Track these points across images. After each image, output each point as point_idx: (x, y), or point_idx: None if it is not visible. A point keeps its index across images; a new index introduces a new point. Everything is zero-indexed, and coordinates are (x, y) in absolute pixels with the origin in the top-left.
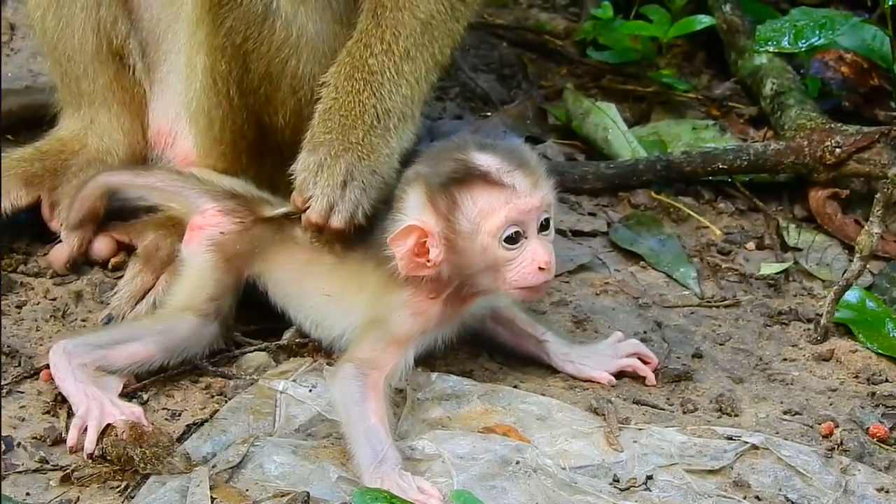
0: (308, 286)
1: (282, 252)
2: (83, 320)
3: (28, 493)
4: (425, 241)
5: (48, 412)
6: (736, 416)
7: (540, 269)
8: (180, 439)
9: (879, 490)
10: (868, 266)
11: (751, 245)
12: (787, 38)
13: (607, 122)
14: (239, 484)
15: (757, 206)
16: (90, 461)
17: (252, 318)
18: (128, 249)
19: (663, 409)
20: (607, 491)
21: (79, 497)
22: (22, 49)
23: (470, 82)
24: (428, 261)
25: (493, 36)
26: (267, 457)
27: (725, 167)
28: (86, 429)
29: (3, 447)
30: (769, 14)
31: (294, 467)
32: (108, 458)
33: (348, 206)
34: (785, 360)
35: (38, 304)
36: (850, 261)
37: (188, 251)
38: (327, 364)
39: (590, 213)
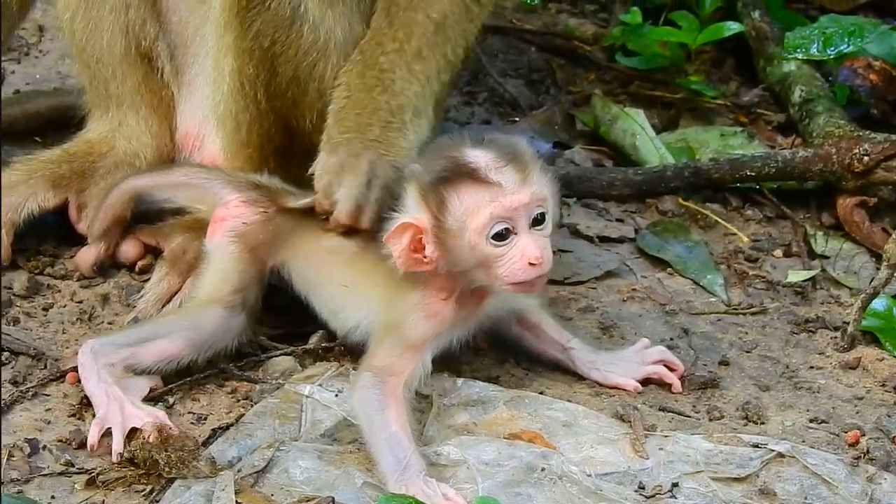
0: (327, 275)
1: (303, 240)
2: (109, 323)
3: (53, 497)
4: (421, 238)
5: (74, 415)
6: (762, 423)
7: (531, 264)
8: (206, 443)
9: None
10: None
11: (778, 252)
12: (815, 45)
13: (635, 128)
14: (264, 489)
15: (784, 214)
16: (116, 465)
17: (278, 322)
18: (154, 252)
19: (689, 417)
20: (633, 498)
21: (104, 501)
22: (51, 51)
23: (498, 87)
24: (425, 257)
25: (521, 41)
26: (292, 461)
27: (753, 174)
28: (107, 431)
29: (29, 450)
30: (798, 21)
31: (319, 472)
32: (135, 461)
33: (375, 204)
34: (811, 367)
35: (64, 306)
36: (878, 269)
37: (212, 245)
38: (353, 369)
39: (617, 220)
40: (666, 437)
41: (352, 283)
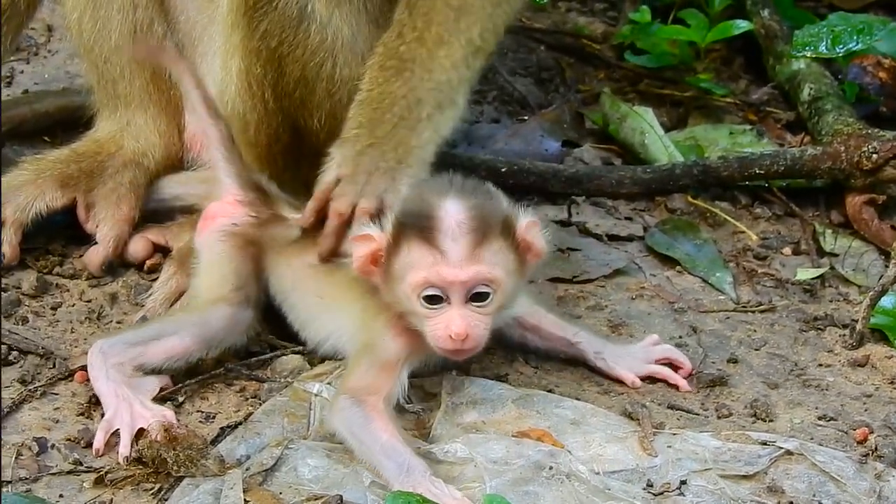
0: (303, 286)
1: (284, 249)
2: (118, 322)
3: (61, 496)
4: (381, 255)
5: (82, 414)
6: (771, 421)
7: (451, 337)
8: (214, 442)
9: None
10: None
11: (787, 250)
12: (824, 43)
13: (644, 126)
14: (272, 487)
15: (793, 212)
16: (124, 464)
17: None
18: (163, 251)
19: (698, 414)
20: (641, 496)
21: (112, 499)
22: (59, 51)
23: (507, 86)
24: (378, 274)
25: (530, 40)
26: (301, 460)
27: (762, 172)
28: (115, 431)
29: (37, 449)
30: (807, 19)
31: (328, 471)
32: (144, 460)
33: (375, 190)
34: (820, 365)
35: (73, 305)
36: (887, 266)
37: (200, 242)
38: None
39: (626, 218)
40: (674, 434)
41: (327, 295)
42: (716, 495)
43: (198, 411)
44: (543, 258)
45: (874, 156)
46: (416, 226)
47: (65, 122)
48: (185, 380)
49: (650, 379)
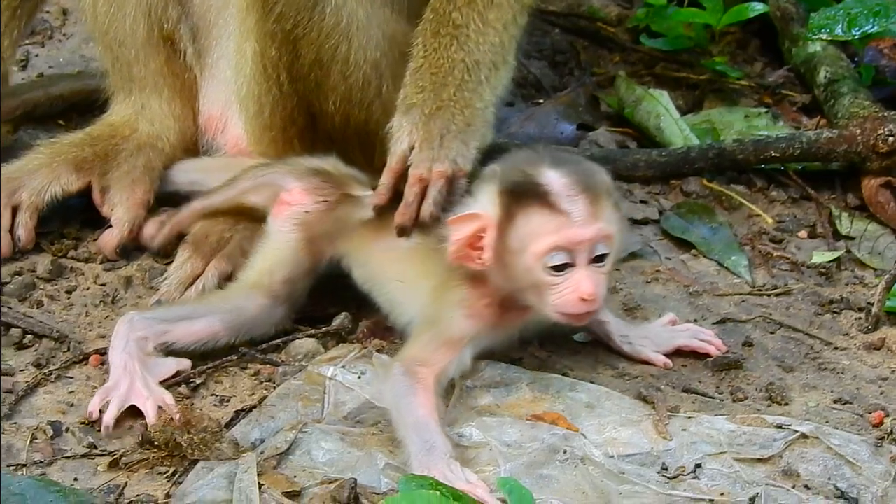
0: (385, 270)
1: (364, 233)
2: (133, 306)
3: (76, 479)
4: (482, 236)
5: None
6: (786, 404)
7: (582, 299)
8: (228, 425)
9: None
10: None
11: (803, 233)
12: (840, 25)
13: (660, 109)
14: (287, 470)
15: (809, 195)
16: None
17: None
18: (178, 235)
19: (713, 398)
20: (655, 479)
21: (126, 482)
22: (74, 34)
23: (522, 69)
24: (479, 257)
25: (545, 23)
26: (315, 443)
27: (778, 155)
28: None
29: (52, 433)
30: (823, 2)
31: (342, 454)
32: (156, 443)
33: (451, 153)
34: (836, 348)
35: (87, 289)
36: None
37: (274, 224)
38: (377, 350)
39: (641, 201)
40: (689, 418)
41: (406, 278)
42: (731, 479)
43: (212, 395)
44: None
45: (890, 138)
46: (530, 194)
47: (79, 105)
48: (199, 364)
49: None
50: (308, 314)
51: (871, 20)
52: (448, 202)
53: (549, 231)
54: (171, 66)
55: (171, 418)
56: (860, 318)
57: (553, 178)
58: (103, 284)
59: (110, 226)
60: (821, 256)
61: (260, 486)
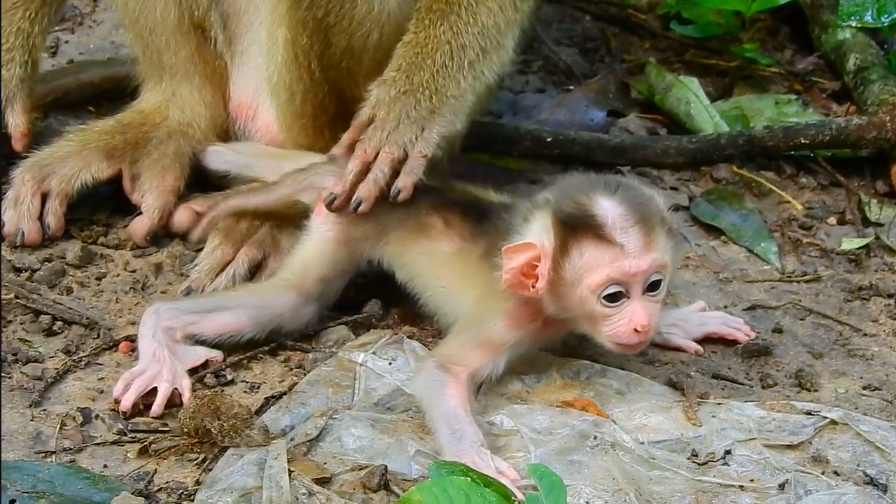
0: (427, 273)
1: (404, 234)
2: (163, 292)
3: (106, 465)
4: (536, 265)
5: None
6: (815, 391)
7: (636, 330)
8: (259, 412)
9: None
10: None
11: (832, 220)
12: (870, 12)
13: (690, 96)
14: (317, 457)
15: (838, 181)
16: (170, 433)
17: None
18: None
19: (742, 384)
20: (685, 466)
21: (156, 469)
22: (104, 21)
23: (553, 56)
24: (533, 285)
25: (576, 10)
26: (345, 430)
27: (807, 142)
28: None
29: (82, 419)
30: None
31: (372, 441)
32: (186, 430)
33: (400, 139)
34: (865, 335)
35: (117, 276)
36: None
37: (316, 221)
38: (408, 337)
39: (671, 188)
40: (719, 404)
41: (449, 283)
42: (760, 465)
43: (243, 381)
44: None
45: None
46: (584, 226)
47: (110, 92)
48: (229, 354)
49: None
50: (339, 301)
51: None
52: (399, 183)
53: (604, 264)
54: (202, 54)
55: (201, 405)
56: (889, 305)
57: (607, 209)
58: (133, 271)
59: (140, 213)
60: (850, 243)
61: (290, 472)
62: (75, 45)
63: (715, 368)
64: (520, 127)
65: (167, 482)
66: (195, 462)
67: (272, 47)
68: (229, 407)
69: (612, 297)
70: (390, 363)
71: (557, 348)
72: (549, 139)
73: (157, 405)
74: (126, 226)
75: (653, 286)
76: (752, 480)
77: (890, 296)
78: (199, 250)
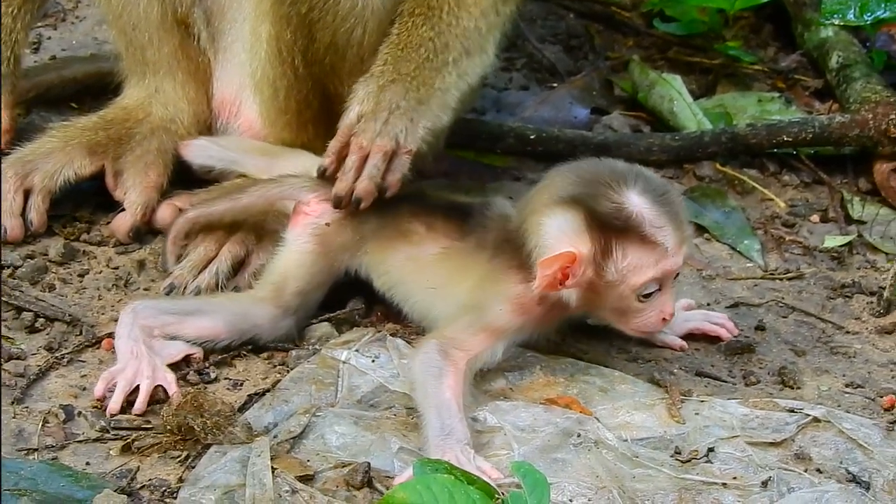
0: (413, 278)
1: (383, 241)
2: (146, 289)
3: (88, 463)
4: (570, 267)
5: None
6: (798, 388)
7: (663, 319)
8: (242, 409)
9: None
10: None
11: (815, 218)
12: (852, 11)
13: (673, 93)
14: (300, 454)
15: (821, 179)
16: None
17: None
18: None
19: (725, 382)
20: (669, 463)
21: (139, 466)
22: (87, 17)
23: (536, 53)
24: (562, 283)
25: (560, 7)
26: (328, 427)
27: (790, 140)
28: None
29: (64, 416)
30: None
31: (355, 438)
32: (169, 427)
33: (392, 130)
34: (848, 332)
35: (100, 272)
36: None
37: (291, 235)
38: (391, 334)
39: None
40: (702, 402)
41: (441, 283)
42: (743, 462)
43: (226, 379)
44: None
45: None
46: (625, 227)
47: (92, 88)
48: (213, 351)
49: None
50: (322, 299)
51: (883, 5)
52: (387, 179)
53: (649, 265)
54: (185, 50)
55: (184, 402)
56: (872, 303)
57: (643, 208)
58: (116, 268)
59: (123, 209)
60: (833, 241)
61: (273, 470)
62: (58, 41)
63: (698, 366)
64: (504, 124)
65: (150, 479)
66: (178, 459)
67: (256, 43)
68: (212, 404)
69: (648, 294)
70: (373, 360)
71: (552, 336)
72: (532, 136)
73: (140, 402)
74: (109, 222)
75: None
76: (734, 478)
77: (872, 293)
78: (183, 247)
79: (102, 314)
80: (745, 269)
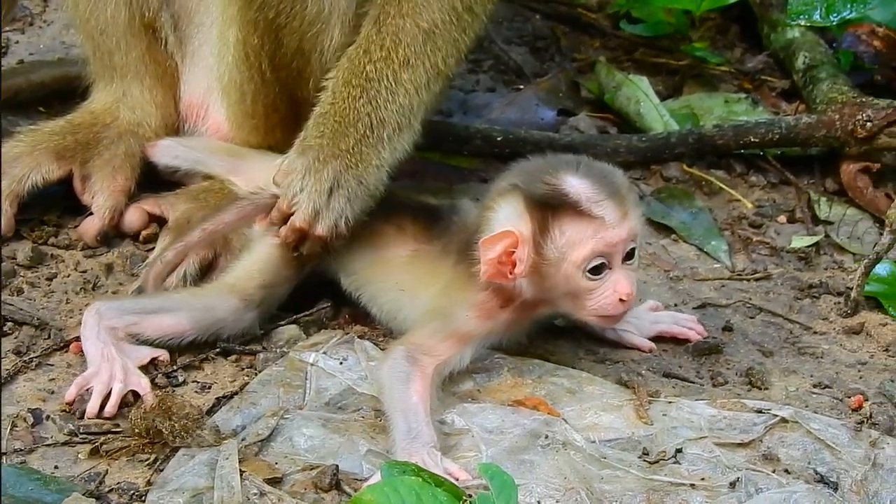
0: (382, 279)
1: (357, 244)
2: (114, 292)
3: (56, 467)
4: (513, 252)
5: None
6: (766, 389)
7: (621, 300)
8: (210, 412)
9: None
10: None
11: (782, 218)
12: (818, 11)
13: (639, 95)
14: (268, 457)
15: (788, 180)
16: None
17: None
18: (159, 222)
19: (693, 382)
20: (637, 464)
21: (107, 470)
22: (55, 21)
23: (503, 55)
24: (511, 272)
25: (526, 9)
26: (296, 430)
27: (757, 140)
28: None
29: (32, 420)
30: None
31: (323, 440)
32: (137, 430)
33: (333, 214)
34: (815, 333)
35: (68, 276)
36: (881, 234)
37: (257, 231)
38: (359, 337)
39: None
40: (670, 402)
41: (409, 285)
42: (711, 463)
43: (194, 381)
44: None
45: (868, 124)
46: (560, 204)
47: (60, 92)
48: (180, 354)
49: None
50: (289, 300)
51: (849, 6)
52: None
53: (588, 237)
54: (153, 54)
55: (153, 405)
56: (839, 303)
57: (579, 185)
58: (84, 271)
59: (91, 213)
60: (800, 241)
61: (241, 472)
62: (25, 45)
63: (666, 367)
64: (470, 126)
65: (118, 483)
66: (146, 462)
67: (223, 48)
68: (180, 407)
69: (596, 270)
70: (341, 363)
71: (523, 341)
72: (499, 138)
73: (112, 405)
74: (77, 226)
75: (629, 255)
76: (702, 479)
77: (840, 294)
78: (150, 250)
79: (70, 318)
80: (713, 269)
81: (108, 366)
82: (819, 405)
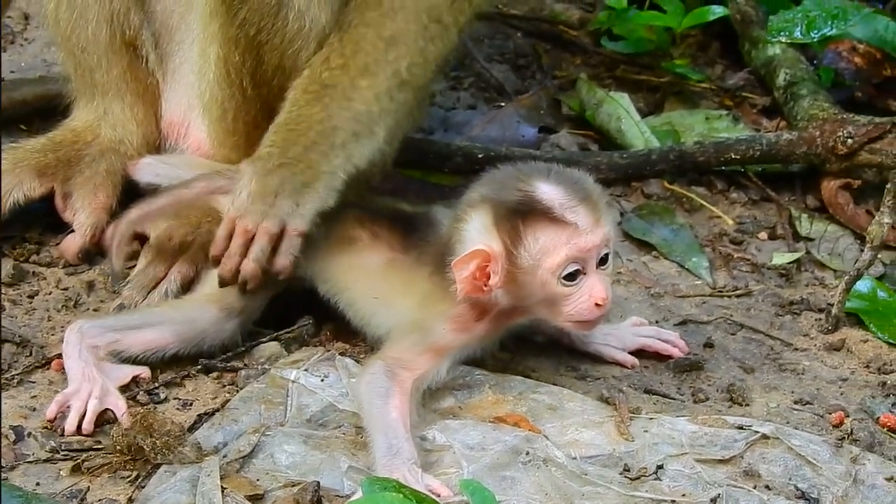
0: (357, 286)
1: (333, 250)
2: (95, 310)
3: (38, 483)
4: (487, 266)
5: None
6: (747, 405)
7: (597, 304)
8: (191, 429)
9: (889, 479)
10: (879, 256)
11: (763, 235)
12: (799, 28)
13: (621, 112)
14: (250, 474)
15: (769, 196)
16: (102, 451)
17: (264, 308)
18: (140, 239)
19: (674, 399)
20: (617, 481)
21: (89, 487)
22: (36, 39)
23: (484, 72)
24: (486, 285)
25: (507, 26)
26: (278, 447)
27: (738, 157)
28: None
29: (14, 437)
30: (782, 4)
31: (305, 457)
32: (118, 447)
33: (278, 212)
34: (796, 349)
35: (49, 293)
36: (862, 251)
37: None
38: (340, 354)
39: None
40: (651, 419)
41: (384, 293)
42: (692, 479)
43: (175, 398)
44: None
45: (849, 140)
46: (532, 212)
47: (42, 110)
48: (162, 371)
49: (633, 355)
50: (270, 317)
51: (830, 23)
52: (277, 262)
53: (562, 244)
54: (134, 72)
55: (134, 422)
56: (820, 319)
57: (551, 192)
58: (65, 289)
59: (72, 231)
60: (781, 258)
61: (223, 489)
62: (7, 63)
63: (647, 383)
64: (451, 143)
65: (100, 500)
66: (128, 479)
67: (204, 65)
68: (162, 424)
69: (571, 276)
70: (322, 380)
71: (495, 349)
72: (480, 155)
73: (87, 422)
74: (58, 244)
75: (603, 260)
76: (683, 495)
77: (821, 310)
78: (132, 268)
79: (52, 335)
80: (694, 286)
81: (88, 385)
82: (800, 421)
